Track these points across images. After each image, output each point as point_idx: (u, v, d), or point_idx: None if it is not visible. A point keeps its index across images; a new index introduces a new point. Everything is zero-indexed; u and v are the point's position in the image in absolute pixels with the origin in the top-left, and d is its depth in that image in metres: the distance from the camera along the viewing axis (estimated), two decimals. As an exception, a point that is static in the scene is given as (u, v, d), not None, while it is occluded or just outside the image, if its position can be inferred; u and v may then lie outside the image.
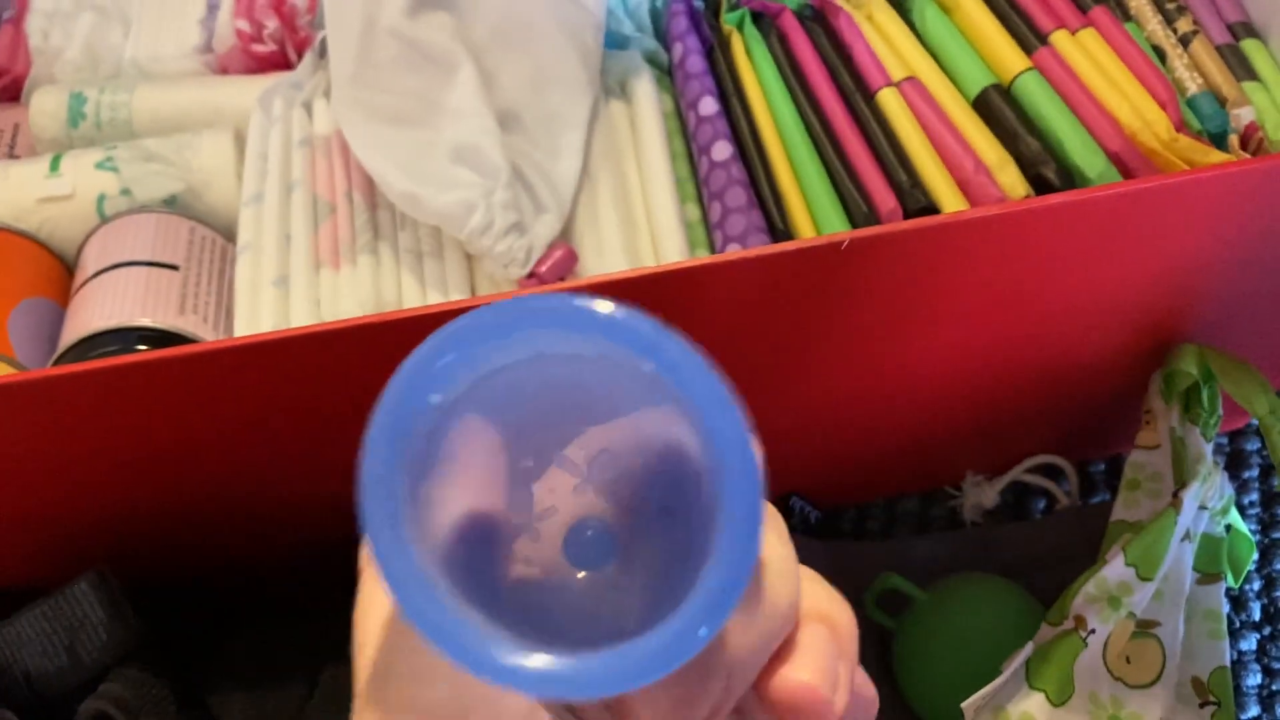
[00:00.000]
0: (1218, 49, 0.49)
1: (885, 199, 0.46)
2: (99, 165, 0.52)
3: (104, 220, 0.51)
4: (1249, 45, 0.49)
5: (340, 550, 0.47)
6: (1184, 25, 0.49)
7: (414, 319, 0.37)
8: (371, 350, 0.38)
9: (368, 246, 0.48)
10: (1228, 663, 0.46)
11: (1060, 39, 0.49)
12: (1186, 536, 0.45)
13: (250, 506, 0.45)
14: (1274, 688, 0.53)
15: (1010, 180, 0.45)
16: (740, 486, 0.18)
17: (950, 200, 0.45)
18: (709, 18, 0.54)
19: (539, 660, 0.17)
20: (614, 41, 0.54)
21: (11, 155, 0.56)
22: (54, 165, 0.52)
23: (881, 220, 0.45)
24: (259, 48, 0.57)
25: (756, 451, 0.18)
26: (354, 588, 0.49)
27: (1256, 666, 0.53)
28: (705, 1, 0.56)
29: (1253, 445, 0.59)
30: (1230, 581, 0.47)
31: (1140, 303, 0.46)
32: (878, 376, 0.48)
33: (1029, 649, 0.43)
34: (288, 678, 0.43)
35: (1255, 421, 0.58)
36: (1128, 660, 0.45)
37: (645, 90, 0.52)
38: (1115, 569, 0.43)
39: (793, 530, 0.28)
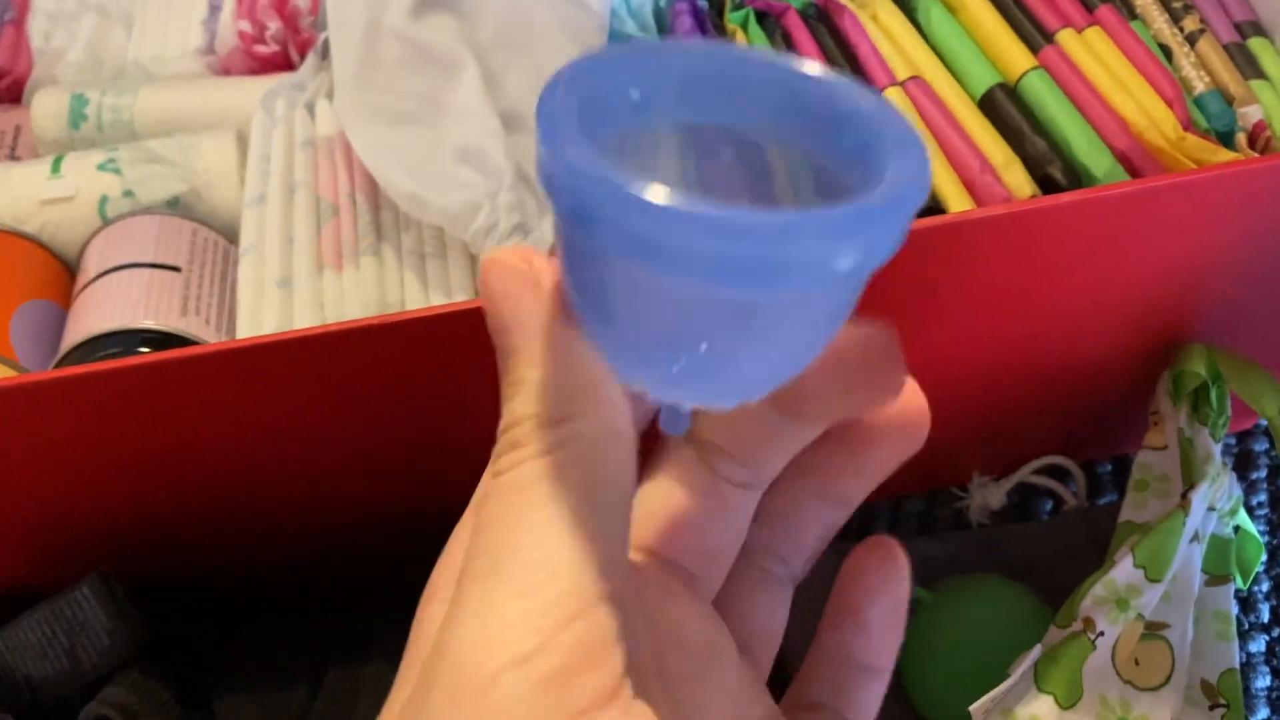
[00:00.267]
0: (1225, 47, 0.49)
1: (891, 199, 0.45)
2: (101, 167, 0.51)
3: (106, 222, 0.51)
4: (1256, 44, 0.49)
5: (343, 552, 0.47)
6: (1190, 24, 0.49)
7: (417, 320, 0.36)
8: (375, 352, 0.38)
9: (371, 248, 0.48)
10: (1237, 665, 0.45)
11: (1066, 38, 0.49)
12: (1195, 538, 0.45)
13: (253, 508, 0.45)
14: (1283, 690, 0.52)
15: (1016, 180, 0.45)
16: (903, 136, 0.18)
17: (956, 200, 0.45)
18: (713, 17, 0.54)
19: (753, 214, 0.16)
20: (617, 41, 0.54)
21: (13, 157, 0.56)
22: (56, 167, 0.52)
23: (887, 220, 0.45)
24: (261, 49, 0.56)
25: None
26: (355, 589, 0.48)
27: (1266, 669, 0.53)
28: (709, 1, 0.55)
29: (1261, 446, 0.58)
30: (1239, 583, 0.47)
31: (1147, 303, 0.46)
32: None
33: (1037, 651, 0.43)
34: (291, 680, 0.43)
35: (1264, 422, 0.58)
36: (1136, 662, 0.44)
37: (649, 90, 0.52)
38: (1124, 571, 0.43)
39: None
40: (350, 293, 0.47)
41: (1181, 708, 0.44)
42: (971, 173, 0.46)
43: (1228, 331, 0.48)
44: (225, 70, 0.57)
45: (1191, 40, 0.49)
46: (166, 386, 0.37)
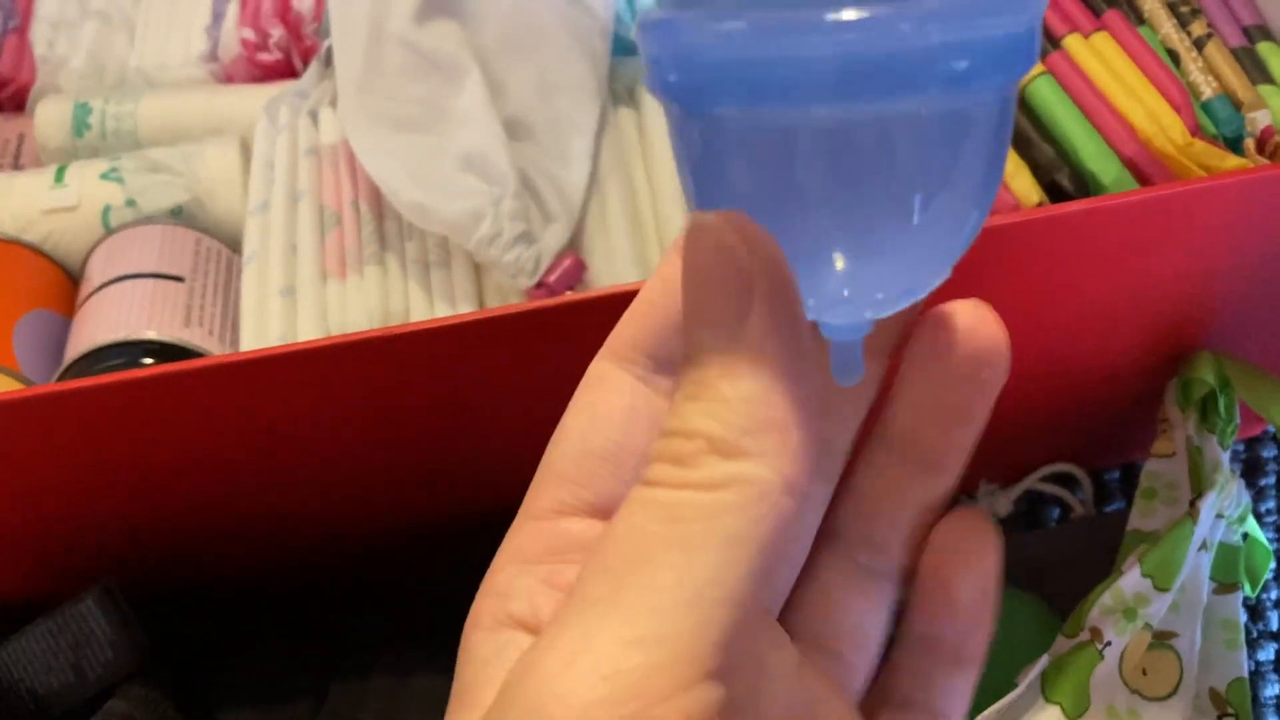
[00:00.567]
0: (1232, 52, 0.48)
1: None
2: (104, 176, 0.51)
3: (109, 231, 0.51)
4: (1264, 48, 0.49)
5: (346, 564, 0.47)
6: (1198, 28, 0.49)
7: (421, 333, 0.36)
8: (379, 364, 0.38)
9: (374, 256, 0.48)
10: (1245, 674, 0.45)
11: (1073, 43, 0.48)
12: (1203, 546, 0.44)
13: (257, 521, 0.45)
14: (1292, 697, 0.52)
15: (1024, 187, 0.45)
16: None
17: (963, 207, 0.45)
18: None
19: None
20: (622, 48, 0.54)
21: (16, 165, 0.56)
22: (59, 176, 0.52)
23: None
24: (264, 56, 0.56)
25: None
26: (358, 602, 0.48)
27: (1274, 677, 0.52)
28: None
29: (1269, 452, 0.58)
30: (1247, 591, 0.47)
31: (1155, 310, 0.46)
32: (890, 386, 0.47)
33: (1044, 661, 0.43)
34: (294, 693, 0.43)
35: (1272, 428, 0.58)
36: (1144, 672, 0.44)
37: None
38: (1131, 580, 0.43)
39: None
40: (354, 301, 0.47)
41: (1190, 717, 0.44)
42: (978, 179, 0.45)
43: (1236, 339, 0.48)
44: (228, 78, 0.57)
45: (1199, 45, 0.48)
46: (170, 399, 0.37)
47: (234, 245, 0.52)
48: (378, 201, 0.49)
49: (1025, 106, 0.47)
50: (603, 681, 0.16)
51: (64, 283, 0.51)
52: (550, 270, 0.46)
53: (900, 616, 0.23)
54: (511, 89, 0.49)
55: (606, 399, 0.20)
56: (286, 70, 0.57)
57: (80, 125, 0.54)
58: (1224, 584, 0.46)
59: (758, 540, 0.16)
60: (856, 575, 0.23)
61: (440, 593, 0.45)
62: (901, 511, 0.22)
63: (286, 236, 0.49)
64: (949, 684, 0.23)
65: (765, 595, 0.19)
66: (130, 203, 0.51)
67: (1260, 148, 0.46)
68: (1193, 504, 0.44)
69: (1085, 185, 0.45)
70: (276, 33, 0.56)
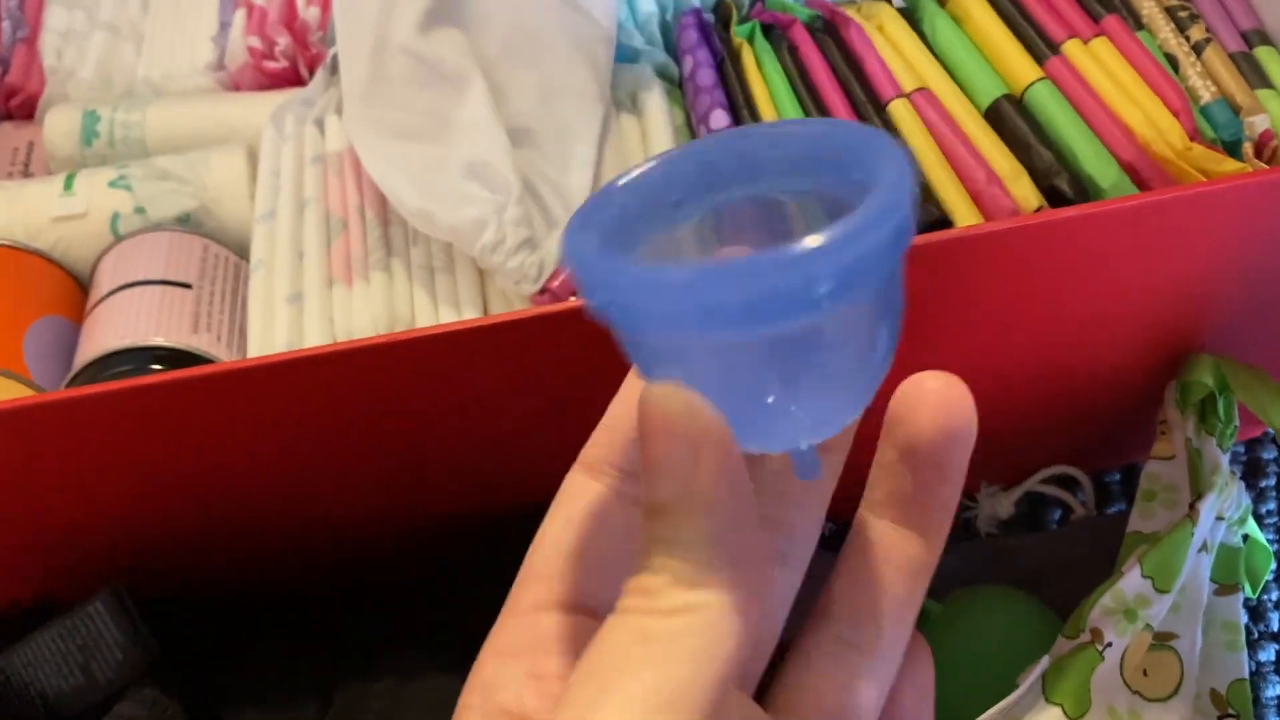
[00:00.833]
0: (1231, 56, 0.49)
1: (897, 211, 0.45)
2: (112, 184, 0.52)
3: (118, 239, 0.51)
4: (1263, 53, 0.49)
5: (353, 568, 0.47)
6: (1196, 33, 0.49)
7: (426, 338, 0.37)
8: (385, 369, 0.38)
9: (380, 263, 0.48)
10: (1246, 675, 0.45)
11: (1072, 48, 0.49)
12: (1203, 548, 0.45)
13: (264, 524, 0.45)
14: (1293, 698, 0.52)
15: (1023, 192, 0.45)
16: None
17: (963, 212, 0.45)
18: (719, 30, 0.54)
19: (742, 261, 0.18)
20: (624, 55, 0.54)
21: (26, 174, 0.57)
22: (68, 184, 0.52)
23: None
24: (271, 64, 0.57)
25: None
26: (365, 605, 0.48)
27: (1275, 678, 0.53)
28: (716, 14, 0.56)
29: (1269, 454, 0.58)
30: (1248, 592, 0.47)
31: (1155, 313, 0.46)
32: (890, 389, 0.47)
33: (1045, 662, 0.43)
34: (301, 696, 0.43)
35: (1271, 430, 0.58)
36: (1145, 673, 0.44)
37: (656, 104, 0.52)
38: (1132, 581, 0.43)
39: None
40: (360, 308, 0.47)
41: (1190, 718, 0.44)
42: (978, 184, 0.46)
43: (1235, 342, 0.48)
44: (235, 86, 0.58)
45: (1198, 49, 0.49)
46: (178, 405, 0.38)
47: (241, 252, 0.52)
48: (383, 208, 0.49)
49: (1025, 111, 0.48)
50: None
51: (73, 289, 0.52)
52: (554, 276, 0.47)
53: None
54: (514, 97, 0.50)
55: (579, 508, 0.23)
56: (293, 78, 0.57)
57: (89, 134, 0.54)
58: (1224, 585, 0.46)
59: (719, 655, 0.19)
60: (840, 649, 0.24)
61: (442, 593, 0.46)
62: (888, 583, 0.24)
63: (293, 243, 0.49)
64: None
65: (732, 694, 0.20)
66: (139, 210, 0.51)
67: (1259, 152, 0.47)
68: (1192, 506, 0.44)
69: (1084, 190, 0.45)
70: (283, 41, 0.56)
